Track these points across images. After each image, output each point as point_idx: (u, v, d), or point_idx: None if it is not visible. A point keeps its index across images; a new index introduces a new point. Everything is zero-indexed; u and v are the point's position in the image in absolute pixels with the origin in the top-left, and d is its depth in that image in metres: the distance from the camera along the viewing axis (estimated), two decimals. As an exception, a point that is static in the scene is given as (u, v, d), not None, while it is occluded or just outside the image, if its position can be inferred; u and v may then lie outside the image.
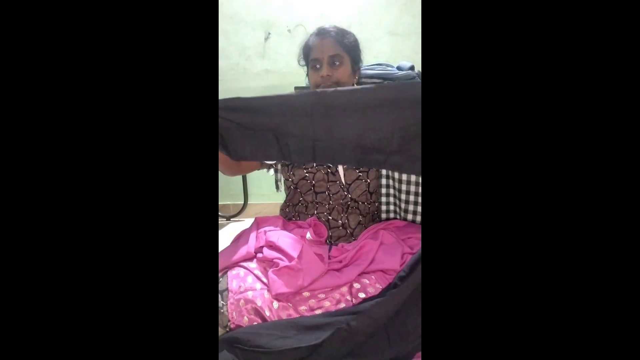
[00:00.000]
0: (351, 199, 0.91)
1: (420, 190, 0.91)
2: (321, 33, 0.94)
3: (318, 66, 0.92)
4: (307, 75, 1.01)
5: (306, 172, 0.93)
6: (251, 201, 2.15)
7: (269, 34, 2.17)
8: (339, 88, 0.59)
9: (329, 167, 0.92)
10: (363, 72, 1.71)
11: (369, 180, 0.93)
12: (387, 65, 1.78)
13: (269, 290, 0.69)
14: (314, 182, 0.92)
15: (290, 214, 0.97)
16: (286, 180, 0.99)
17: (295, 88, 1.76)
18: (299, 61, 1.03)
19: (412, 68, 1.73)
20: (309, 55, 0.96)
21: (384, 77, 1.70)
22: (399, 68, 1.77)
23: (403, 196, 0.93)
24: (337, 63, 0.92)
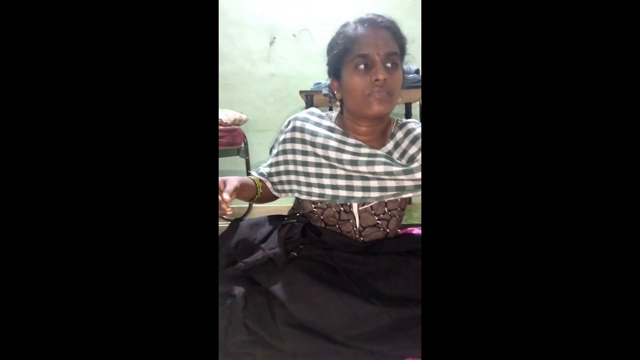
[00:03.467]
0: (363, 242, 0.74)
1: None
2: (372, 23, 0.67)
3: (364, 66, 0.65)
4: (336, 75, 0.72)
5: (314, 207, 0.77)
6: (256, 204, 2.16)
7: (274, 38, 2.19)
8: None
9: (342, 206, 0.74)
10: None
11: (387, 230, 0.75)
12: (392, 69, 1.77)
13: None
14: (322, 217, 0.76)
15: None
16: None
17: (301, 92, 1.76)
18: (327, 56, 0.73)
19: (417, 72, 1.73)
20: (348, 50, 0.67)
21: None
22: (403, 72, 1.77)
23: None
24: (394, 64, 0.67)
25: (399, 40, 0.69)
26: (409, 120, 0.80)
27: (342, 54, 0.68)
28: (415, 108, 2.02)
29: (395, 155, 0.72)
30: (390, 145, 0.73)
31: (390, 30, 0.68)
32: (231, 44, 2.19)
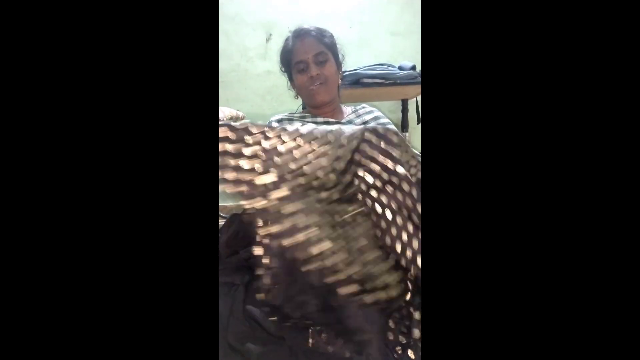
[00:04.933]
0: None
1: None
2: (300, 34, 0.92)
3: (304, 68, 0.91)
4: (291, 80, 0.99)
5: None
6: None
7: (270, 34, 2.18)
8: None
9: None
10: (364, 72, 1.71)
11: None
12: (388, 65, 1.77)
13: None
14: None
15: None
16: None
17: (297, 89, 1.76)
18: (280, 68, 1.00)
19: (413, 68, 1.72)
20: (290, 60, 0.94)
21: (385, 77, 1.70)
22: (400, 68, 1.77)
23: None
24: (323, 60, 0.91)
25: (324, 41, 0.92)
26: (362, 106, 1.02)
27: (288, 63, 0.95)
28: (412, 104, 2.02)
29: None
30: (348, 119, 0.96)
31: (314, 36, 0.91)
32: (227, 40, 2.18)
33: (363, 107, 1.01)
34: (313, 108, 0.97)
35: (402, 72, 1.67)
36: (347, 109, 1.01)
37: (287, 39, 0.95)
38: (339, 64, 0.96)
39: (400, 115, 2.12)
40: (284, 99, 2.20)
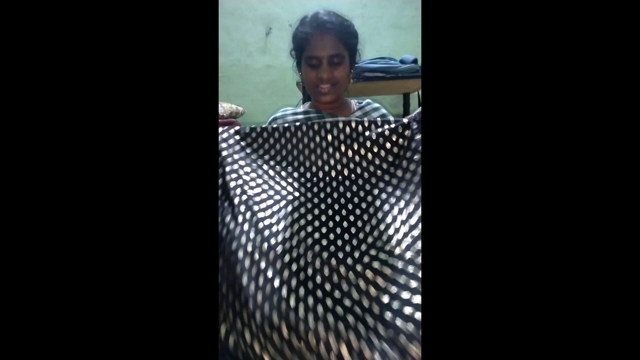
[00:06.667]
0: None
1: None
2: (321, 26, 0.84)
3: (316, 63, 0.85)
4: (298, 66, 0.92)
5: None
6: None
7: (270, 29, 2.17)
8: None
9: None
10: (365, 65, 1.70)
11: None
12: (390, 59, 1.76)
13: None
14: None
15: None
16: None
17: (298, 84, 1.76)
18: (290, 52, 0.93)
19: (415, 61, 1.71)
20: (303, 48, 0.86)
21: (386, 71, 1.69)
22: (401, 61, 1.75)
23: None
24: (338, 62, 0.85)
25: (345, 40, 0.86)
26: (367, 101, 0.98)
27: (299, 51, 0.88)
28: (413, 98, 2.01)
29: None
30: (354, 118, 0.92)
31: (336, 34, 0.84)
32: (227, 35, 2.17)
33: (368, 103, 0.98)
34: (318, 103, 0.94)
35: (403, 66, 1.65)
36: (352, 103, 0.99)
37: (303, 23, 0.87)
38: (352, 65, 0.91)
39: (402, 109, 2.12)
40: (284, 93, 2.20)
